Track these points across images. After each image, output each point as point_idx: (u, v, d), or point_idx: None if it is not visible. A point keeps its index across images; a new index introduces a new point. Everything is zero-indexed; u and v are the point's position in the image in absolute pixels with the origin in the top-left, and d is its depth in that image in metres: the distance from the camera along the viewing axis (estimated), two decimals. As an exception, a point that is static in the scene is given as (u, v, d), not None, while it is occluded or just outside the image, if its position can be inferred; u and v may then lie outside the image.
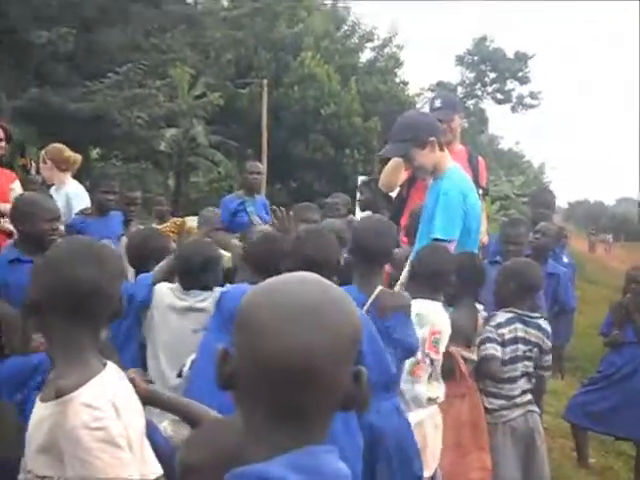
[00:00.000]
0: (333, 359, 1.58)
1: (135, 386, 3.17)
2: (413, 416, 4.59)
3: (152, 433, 3.10)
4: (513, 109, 70.12)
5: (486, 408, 5.40)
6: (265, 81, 28.44)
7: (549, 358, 5.67)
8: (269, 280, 1.71)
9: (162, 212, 10.49)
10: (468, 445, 5.12)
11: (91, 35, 19.45)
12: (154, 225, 8.04)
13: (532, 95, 69.44)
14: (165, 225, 7.74)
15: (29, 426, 2.45)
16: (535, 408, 5.64)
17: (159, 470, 2.72)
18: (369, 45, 39.37)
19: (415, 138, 5.31)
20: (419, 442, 4.54)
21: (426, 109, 8.42)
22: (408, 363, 4.51)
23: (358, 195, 8.33)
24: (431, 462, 4.71)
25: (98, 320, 2.63)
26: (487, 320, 5.52)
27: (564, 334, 8.04)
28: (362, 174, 18.79)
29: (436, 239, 5.16)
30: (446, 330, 4.77)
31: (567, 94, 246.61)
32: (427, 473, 4.65)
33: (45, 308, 2.55)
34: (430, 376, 4.72)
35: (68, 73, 19.52)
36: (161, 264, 5.05)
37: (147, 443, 2.68)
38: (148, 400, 3.24)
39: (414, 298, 4.58)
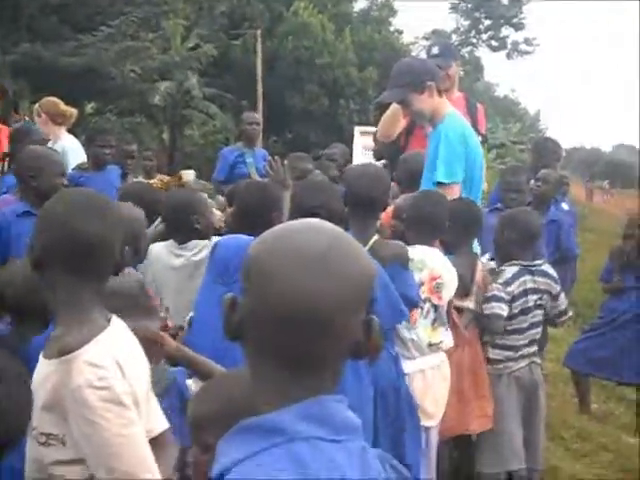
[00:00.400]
0: (343, 306, 1.55)
1: (164, 344, 3.17)
2: (415, 363, 4.58)
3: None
4: (508, 56, 69.67)
5: (490, 359, 5.39)
6: (259, 32, 28.25)
7: (561, 302, 5.66)
8: (277, 227, 1.68)
9: (149, 167, 10.26)
10: (469, 394, 5.12)
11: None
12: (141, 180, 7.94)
13: (527, 41, 68.96)
14: (153, 181, 7.63)
15: (33, 382, 2.40)
16: (538, 359, 5.65)
17: (165, 424, 2.71)
18: (363, -7, 39.09)
19: (412, 83, 5.27)
20: (420, 390, 4.55)
21: (423, 57, 8.36)
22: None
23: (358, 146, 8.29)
24: (433, 412, 4.71)
25: (101, 274, 2.58)
26: (495, 276, 5.50)
27: (568, 281, 8.03)
28: (358, 124, 18.71)
29: (439, 183, 5.14)
30: (449, 276, 4.75)
31: (562, 40, 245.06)
32: (431, 422, 4.66)
33: (47, 263, 2.50)
34: (434, 322, 4.70)
35: (59, 27, 19.33)
36: (151, 227, 4.98)
37: (153, 397, 2.66)
38: (176, 358, 3.24)
39: (409, 245, 4.56)
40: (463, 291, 5.10)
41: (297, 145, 30.32)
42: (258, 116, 9.11)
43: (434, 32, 64.65)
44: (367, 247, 4.23)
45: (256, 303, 1.57)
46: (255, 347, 1.61)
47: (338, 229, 1.66)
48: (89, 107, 26.87)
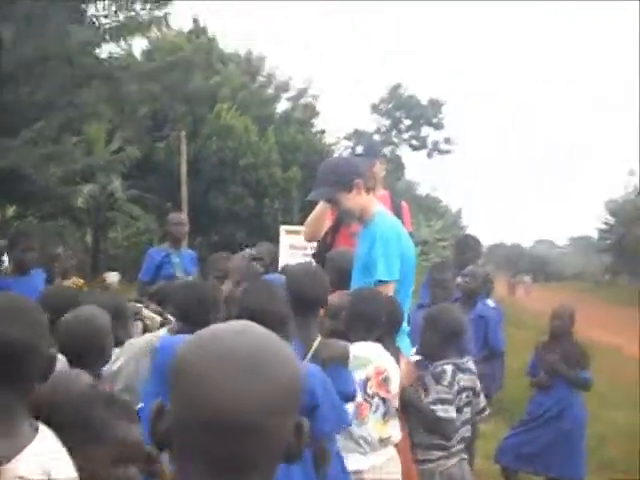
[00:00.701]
0: (271, 410, 1.51)
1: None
2: (368, 460, 4.53)
3: None
4: (429, 155, 71.21)
5: (424, 459, 5.36)
6: (183, 133, 28.33)
7: (482, 399, 5.69)
8: (204, 329, 1.63)
9: (65, 269, 10.11)
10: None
11: (1, 94, 19.20)
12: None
13: (447, 140, 70.69)
14: (69, 282, 7.51)
15: None
16: (465, 455, 5.67)
17: None
18: (285, 95, 39.61)
19: (340, 181, 5.30)
20: None
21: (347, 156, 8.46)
22: (352, 406, 4.46)
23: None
24: None
25: (28, 381, 2.46)
26: (437, 376, 5.50)
27: (497, 378, 8.08)
28: (283, 223, 18.80)
29: (380, 281, 5.14)
30: (393, 369, 4.74)
31: (481, 138, 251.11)
32: None
33: None
34: (385, 415, 4.67)
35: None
36: None
37: None
38: None
39: (350, 342, 4.55)
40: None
41: (223, 246, 30.34)
42: (184, 216, 9.08)
43: (355, 132, 65.80)
44: (312, 349, 4.21)
45: (182, 407, 1.51)
46: (182, 455, 1.55)
47: (267, 331, 1.62)
48: (10, 211, 26.60)
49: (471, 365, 5.67)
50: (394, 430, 4.73)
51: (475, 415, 5.71)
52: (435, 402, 5.32)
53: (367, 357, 4.59)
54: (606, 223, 71.57)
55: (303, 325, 4.28)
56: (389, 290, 5.15)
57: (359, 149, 6.90)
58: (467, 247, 8.38)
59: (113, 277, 24.94)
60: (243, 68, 37.22)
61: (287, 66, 56.23)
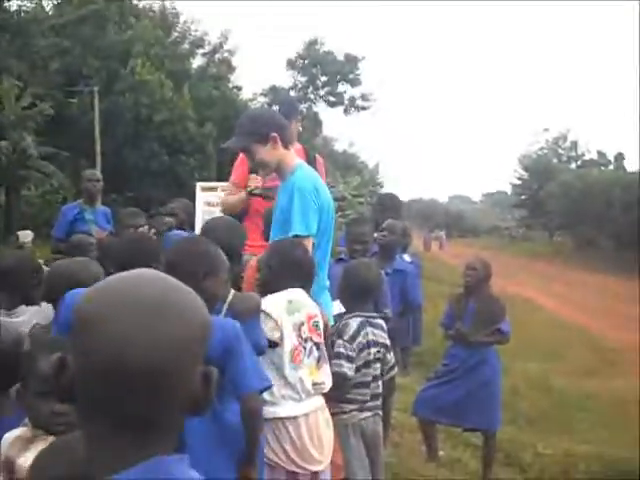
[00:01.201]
0: (177, 357, 1.45)
1: None
2: (302, 406, 4.52)
3: None
4: (345, 111, 71.11)
5: (335, 412, 5.38)
6: (96, 89, 27.92)
7: (392, 356, 5.72)
8: (107, 279, 1.59)
9: None
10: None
11: None
12: None
13: (364, 97, 70.58)
14: None
15: None
16: (380, 411, 5.69)
17: None
18: (200, 51, 39.20)
19: (257, 132, 5.25)
20: (309, 432, 4.50)
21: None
22: (288, 351, 4.46)
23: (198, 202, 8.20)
24: (319, 456, 4.64)
25: None
26: (340, 330, 5.52)
27: (416, 330, 8.15)
28: (199, 180, 18.65)
29: (296, 236, 5.12)
30: (319, 313, 4.76)
31: (398, 94, 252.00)
32: (318, 467, 4.58)
33: None
34: (318, 360, 4.68)
35: None
36: None
37: None
38: None
39: (281, 289, 4.55)
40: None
41: (138, 203, 30.03)
42: (98, 173, 8.94)
43: (272, 88, 65.40)
44: (227, 302, 4.19)
45: (83, 358, 1.46)
46: (86, 408, 1.50)
47: (172, 279, 1.59)
48: None
49: (381, 321, 5.68)
50: (327, 377, 4.73)
51: (385, 372, 5.72)
52: (334, 356, 5.36)
53: (300, 301, 4.59)
54: (520, 178, 72.59)
55: None
56: (307, 245, 5.13)
57: (275, 107, 6.89)
58: (387, 205, 8.40)
59: (27, 236, 24.49)
60: (157, 23, 36.68)
61: (202, 21, 55.58)
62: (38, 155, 29.91)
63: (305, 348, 4.59)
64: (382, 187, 61.37)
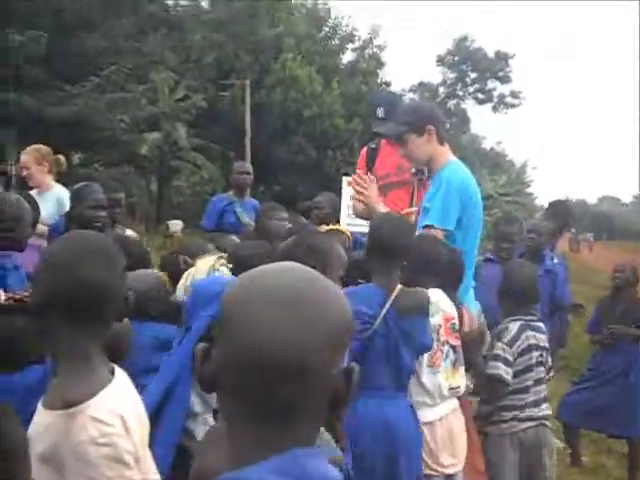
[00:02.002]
0: (318, 352, 1.46)
1: None
2: (438, 410, 4.49)
3: None
4: (494, 109, 70.22)
5: (496, 421, 5.28)
6: (247, 82, 28.38)
7: (550, 359, 5.59)
8: (252, 270, 1.61)
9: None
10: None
11: (67, 39, 19.34)
12: None
13: (513, 94, 69.60)
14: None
15: (30, 431, 2.26)
16: (548, 423, 5.47)
17: (157, 476, 2.60)
18: (350, 46, 39.35)
19: (413, 123, 5.20)
20: (444, 436, 4.47)
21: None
22: (426, 356, 4.42)
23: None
24: (457, 458, 4.61)
25: (105, 322, 2.44)
26: (499, 333, 5.43)
27: (562, 335, 7.99)
28: (345, 174, 18.73)
29: (427, 225, 5.04)
30: (455, 314, 4.70)
31: (548, 93, 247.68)
32: (455, 469, 4.55)
33: (50, 309, 2.35)
34: (454, 363, 4.63)
35: (45, 77, 19.37)
36: None
37: (148, 452, 2.56)
38: None
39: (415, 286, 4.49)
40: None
41: (285, 196, 30.40)
42: (248, 165, 9.04)
43: (420, 85, 65.27)
44: (392, 296, 4.16)
45: (230, 348, 1.49)
46: (229, 398, 1.53)
47: (314, 272, 1.59)
48: (76, 158, 26.88)
49: (541, 324, 5.53)
50: (462, 380, 4.66)
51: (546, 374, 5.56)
52: (491, 358, 5.26)
53: (438, 305, 4.52)
54: (673, 180, 70.22)
55: (384, 273, 4.18)
56: (437, 236, 5.02)
57: (380, 112, 6.62)
58: (559, 212, 8.14)
59: (176, 225, 25.12)
60: (309, 18, 36.99)
61: (352, 17, 55.87)
62: (190, 147, 30.60)
63: (442, 351, 4.55)
64: (529, 187, 60.47)
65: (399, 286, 4.26)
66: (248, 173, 8.57)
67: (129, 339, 3.21)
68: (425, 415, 4.41)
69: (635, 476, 7.83)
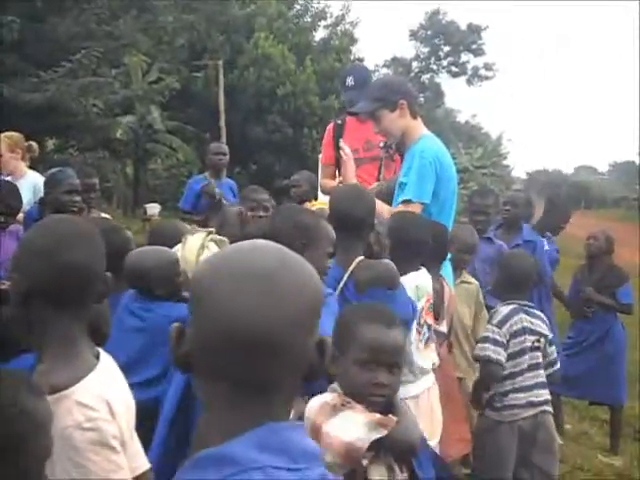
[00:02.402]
0: (292, 326, 1.51)
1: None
2: (419, 385, 4.52)
3: None
4: (468, 82, 70.31)
5: (497, 406, 5.28)
6: (220, 63, 28.27)
7: (552, 351, 5.55)
8: (223, 249, 1.64)
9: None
10: (445, 418, 5.04)
11: (40, 24, 19.18)
12: None
13: (487, 67, 69.70)
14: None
15: None
16: (550, 408, 5.43)
17: (146, 464, 2.62)
18: (322, 23, 39.17)
19: (385, 98, 5.24)
20: (426, 410, 4.50)
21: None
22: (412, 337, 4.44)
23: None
24: (438, 430, 4.64)
25: (87, 305, 2.47)
26: (490, 316, 5.46)
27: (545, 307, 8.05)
28: (321, 152, 18.72)
29: (405, 200, 5.07)
30: (433, 294, 4.73)
31: (522, 65, 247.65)
32: (434, 441, 4.58)
33: (33, 298, 2.37)
34: (427, 340, 4.66)
35: (18, 63, 19.21)
36: None
37: (135, 436, 2.58)
38: None
39: (405, 271, 4.48)
40: (434, 314, 5.04)
41: (261, 175, 30.39)
42: (224, 147, 9.05)
43: (393, 60, 65.23)
44: (349, 270, 4.14)
45: (203, 328, 1.52)
46: (205, 375, 1.56)
47: (285, 249, 1.62)
48: (50, 143, 26.73)
49: (541, 314, 5.52)
50: (434, 354, 4.71)
51: (548, 366, 5.49)
52: (479, 340, 5.30)
53: (424, 286, 4.55)
54: (648, 148, 70.51)
55: (344, 248, 4.16)
56: (415, 211, 5.05)
57: (349, 81, 6.67)
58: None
59: (154, 209, 25.03)
60: (280, -4, 36.80)
61: (324, -7, 55.72)
62: (164, 129, 30.48)
63: (421, 332, 4.58)
64: (505, 159, 60.51)
65: (357, 259, 4.23)
66: (224, 154, 8.60)
67: (109, 320, 3.23)
68: (409, 390, 4.44)
69: (617, 442, 7.94)
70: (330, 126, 6.93)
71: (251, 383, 1.52)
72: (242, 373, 1.51)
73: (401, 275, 4.38)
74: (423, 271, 4.68)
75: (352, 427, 2.78)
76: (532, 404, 5.25)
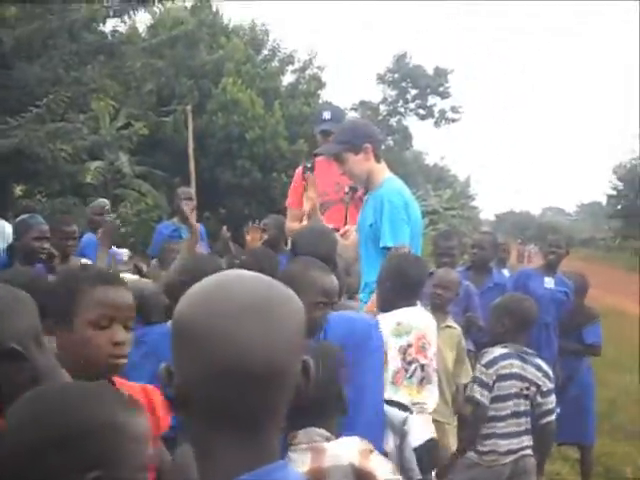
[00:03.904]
0: (289, 354, 1.51)
1: None
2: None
3: None
4: (436, 124, 70.92)
5: (478, 449, 5.26)
6: (189, 107, 28.29)
7: (550, 400, 5.51)
8: (200, 283, 1.61)
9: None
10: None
11: (8, 70, 19.15)
12: None
13: (453, 109, 70.38)
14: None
15: None
16: (530, 452, 5.41)
17: None
18: (290, 68, 39.38)
19: (351, 141, 5.32)
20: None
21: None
22: (390, 372, 4.43)
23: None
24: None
25: None
26: (480, 356, 5.46)
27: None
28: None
29: (387, 248, 5.11)
30: (431, 332, 4.71)
31: (488, 107, 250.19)
32: None
33: None
34: (422, 380, 4.63)
35: (-13, 110, 19.16)
36: None
37: None
38: None
39: (392, 308, 4.50)
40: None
41: (231, 220, 30.30)
42: (191, 191, 9.05)
43: (361, 103, 65.61)
44: None
45: (190, 364, 1.49)
46: (203, 415, 1.52)
47: (266, 277, 1.61)
48: (18, 189, 26.58)
49: (542, 363, 5.50)
50: (430, 397, 4.67)
51: (538, 416, 5.47)
52: (471, 381, 5.31)
53: (410, 324, 4.54)
54: (614, 188, 71.16)
55: None
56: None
57: (326, 115, 6.86)
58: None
59: (123, 255, 24.87)
60: (247, 41, 36.98)
61: (291, 38, 55.97)
62: (133, 174, 30.42)
63: (407, 370, 4.56)
64: (474, 200, 60.92)
65: None
66: (191, 199, 8.60)
67: None
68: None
69: (589, 480, 7.93)
70: (299, 169, 7.00)
71: (246, 414, 1.49)
72: (239, 404, 1.48)
73: (390, 310, 4.43)
74: (412, 309, 4.69)
75: None
76: (511, 452, 5.24)
